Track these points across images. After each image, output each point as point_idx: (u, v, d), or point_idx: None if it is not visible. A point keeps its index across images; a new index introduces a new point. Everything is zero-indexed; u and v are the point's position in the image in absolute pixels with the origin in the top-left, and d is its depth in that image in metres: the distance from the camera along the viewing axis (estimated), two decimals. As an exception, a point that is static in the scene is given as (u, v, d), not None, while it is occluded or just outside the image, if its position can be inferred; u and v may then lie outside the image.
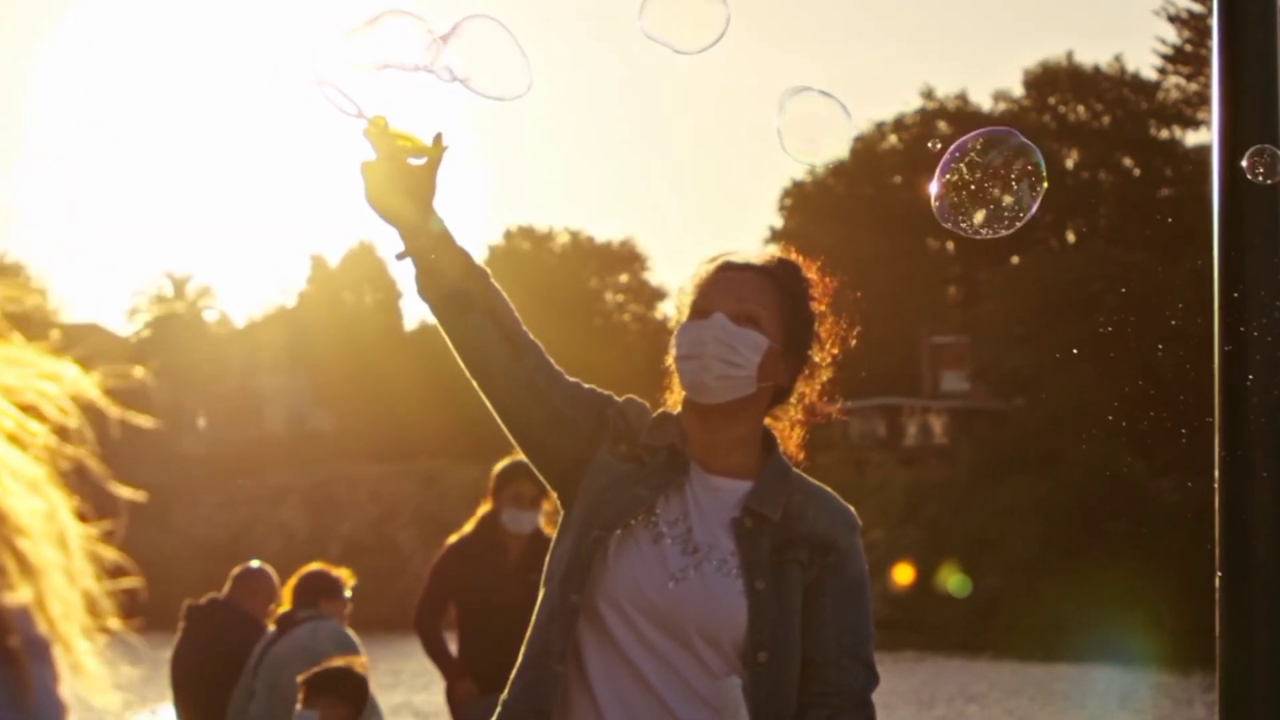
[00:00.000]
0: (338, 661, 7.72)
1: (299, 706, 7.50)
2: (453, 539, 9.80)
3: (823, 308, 3.82)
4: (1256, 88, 3.83)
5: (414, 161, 3.61)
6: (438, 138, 3.62)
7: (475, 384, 3.74)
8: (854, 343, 3.85)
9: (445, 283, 3.67)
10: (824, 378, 3.85)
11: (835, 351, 3.84)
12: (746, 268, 3.78)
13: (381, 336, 72.54)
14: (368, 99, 3.56)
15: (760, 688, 3.61)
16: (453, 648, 9.77)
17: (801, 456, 3.85)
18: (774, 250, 3.88)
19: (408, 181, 3.60)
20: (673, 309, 3.90)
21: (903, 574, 48.97)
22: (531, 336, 3.75)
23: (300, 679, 7.57)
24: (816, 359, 3.82)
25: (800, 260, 3.84)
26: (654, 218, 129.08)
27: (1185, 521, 47.21)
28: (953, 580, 50.79)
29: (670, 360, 3.81)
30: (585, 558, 3.65)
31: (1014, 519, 52.95)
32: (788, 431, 3.86)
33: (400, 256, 3.66)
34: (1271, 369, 3.83)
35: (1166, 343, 55.89)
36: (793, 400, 3.84)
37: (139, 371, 1.81)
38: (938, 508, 55.96)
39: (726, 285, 3.75)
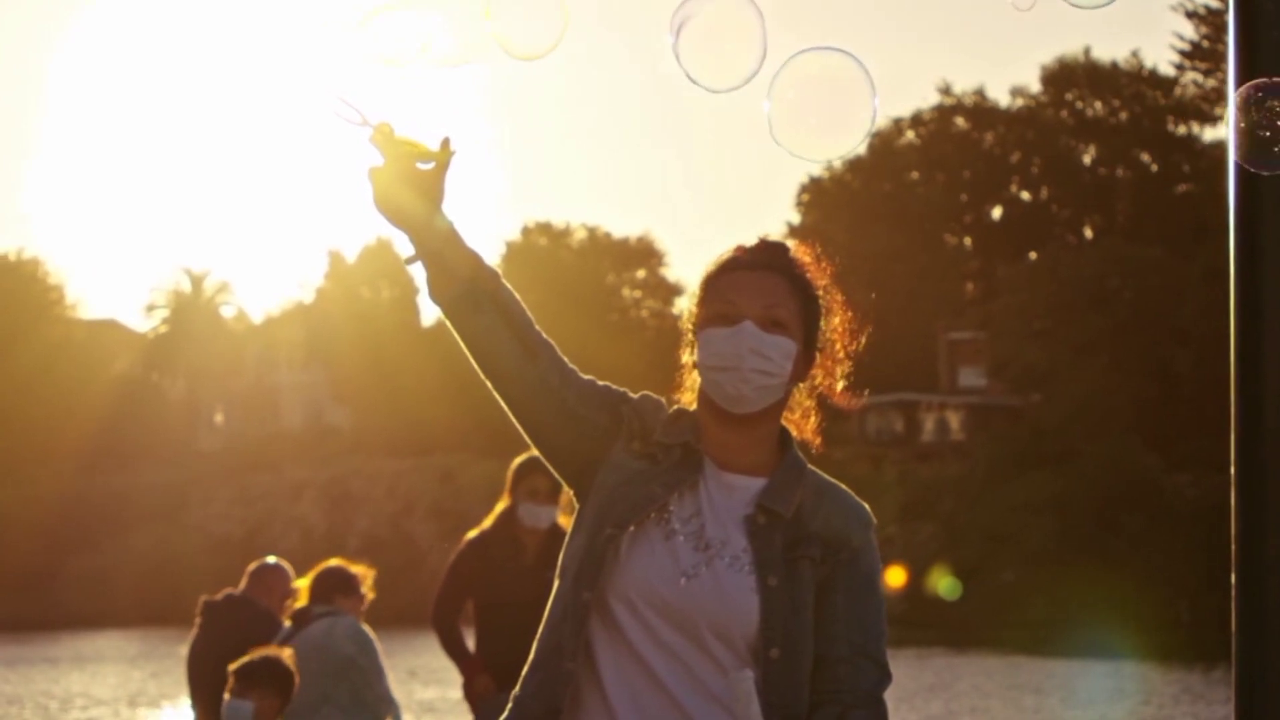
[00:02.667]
0: (262, 651, 7.76)
1: (228, 696, 7.53)
2: (471, 534, 9.80)
3: (821, 291, 3.80)
4: (1272, 84, 3.82)
5: (422, 166, 3.60)
6: (445, 142, 3.61)
7: (489, 384, 3.73)
8: (864, 343, 3.82)
9: (456, 284, 3.66)
10: (840, 372, 3.83)
11: (851, 347, 3.82)
12: (756, 266, 3.74)
13: (399, 332, 72.58)
14: (373, 105, 3.55)
15: (772, 685, 3.61)
16: (470, 643, 9.77)
17: (818, 442, 3.84)
18: (765, 235, 3.82)
19: (416, 184, 3.59)
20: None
21: (895, 577, 48.84)
22: (544, 335, 3.74)
23: (232, 668, 7.61)
24: (821, 346, 3.80)
25: (791, 243, 3.81)
26: (671, 214, 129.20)
27: (1201, 517, 47.18)
28: (943, 583, 50.79)
29: (687, 359, 3.79)
30: (598, 555, 3.65)
31: (1030, 514, 52.91)
32: (802, 420, 3.85)
33: (410, 260, 3.65)
34: (1287, 365, 3.83)
35: (1183, 338, 55.86)
36: (802, 385, 3.82)
37: None
38: (954, 503, 55.93)
39: (747, 289, 3.71)
